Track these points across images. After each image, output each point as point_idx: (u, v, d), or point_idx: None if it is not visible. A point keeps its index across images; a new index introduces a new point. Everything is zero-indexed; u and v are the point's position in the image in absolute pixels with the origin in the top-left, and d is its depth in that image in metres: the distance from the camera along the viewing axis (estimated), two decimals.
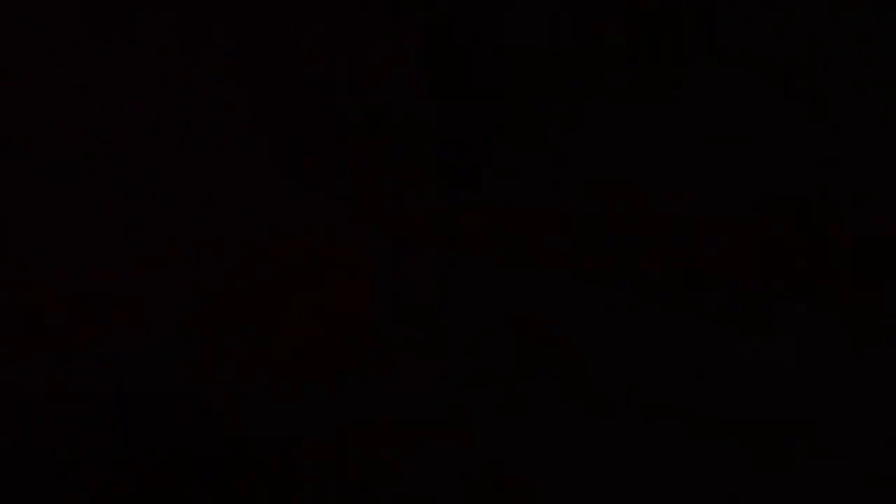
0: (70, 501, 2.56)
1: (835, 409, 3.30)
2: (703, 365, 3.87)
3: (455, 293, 4.95)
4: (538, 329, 4.47)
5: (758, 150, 4.48)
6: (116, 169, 5.11)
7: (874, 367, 3.77)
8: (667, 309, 4.40)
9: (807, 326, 4.06)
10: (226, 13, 4.31)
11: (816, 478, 2.77)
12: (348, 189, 5.36)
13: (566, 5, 4.41)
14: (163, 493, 2.59)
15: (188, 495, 2.59)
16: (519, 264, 5.19)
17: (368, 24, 4.55)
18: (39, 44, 4.41)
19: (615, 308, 4.58)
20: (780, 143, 4.42)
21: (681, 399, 3.49)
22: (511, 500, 2.57)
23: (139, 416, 3.16)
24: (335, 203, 5.33)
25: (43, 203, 4.77)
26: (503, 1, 4.42)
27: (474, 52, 4.75)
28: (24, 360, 3.73)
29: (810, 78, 4.20)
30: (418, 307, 4.75)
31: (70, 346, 4.02)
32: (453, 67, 4.90)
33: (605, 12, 4.37)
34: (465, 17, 4.55)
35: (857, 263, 4.19)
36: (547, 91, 4.99)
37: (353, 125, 5.19)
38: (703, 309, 4.28)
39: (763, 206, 4.50)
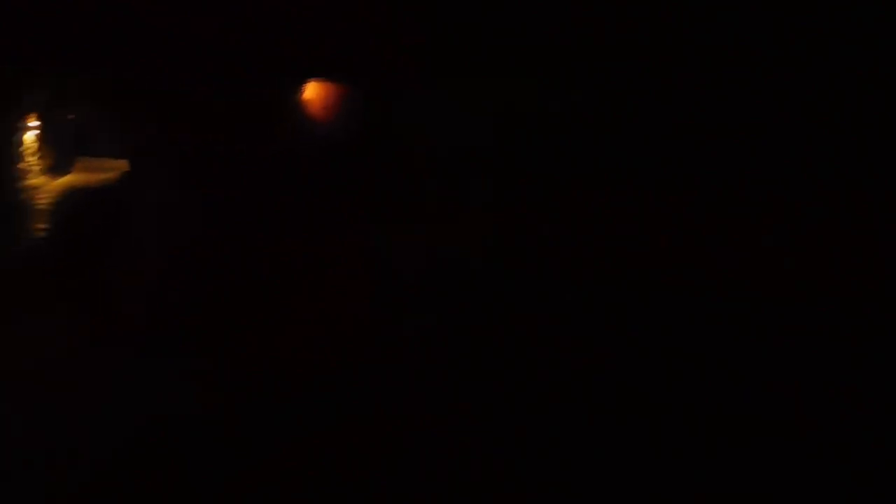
0: (70, 498, 2.57)
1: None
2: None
3: (455, 293, 4.95)
4: (538, 329, 4.47)
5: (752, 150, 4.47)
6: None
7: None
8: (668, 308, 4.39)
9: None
10: (224, 12, 4.31)
11: None
12: (349, 190, 5.34)
13: (566, 5, 4.40)
14: (163, 491, 2.59)
15: (188, 494, 2.59)
16: (518, 264, 5.18)
17: (369, 26, 4.55)
18: None
19: (615, 308, 4.58)
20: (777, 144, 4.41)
21: (679, 397, 3.49)
22: (509, 498, 2.58)
23: (139, 414, 3.16)
24: (335, 203, 5.32)
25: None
26: (502, 2, 4.42)
27: (475, 52, 4.74)
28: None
29: (808, 78, 4.20)
30: (418, 307, 4.75)
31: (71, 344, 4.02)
32: (454, 68, 4.89)
33: (604, 12, 4.37)
34: (466, 17, 4.55)
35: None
36: (548, 91, 4.98)
37: (353, 126, 5.17)
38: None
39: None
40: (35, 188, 5.89)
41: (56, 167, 6.42)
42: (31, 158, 5.99)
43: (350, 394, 3.42)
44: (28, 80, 5.45)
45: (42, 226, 5.37)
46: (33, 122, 5.90)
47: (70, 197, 5.93)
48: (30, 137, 5.93)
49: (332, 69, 4.98)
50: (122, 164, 6.71)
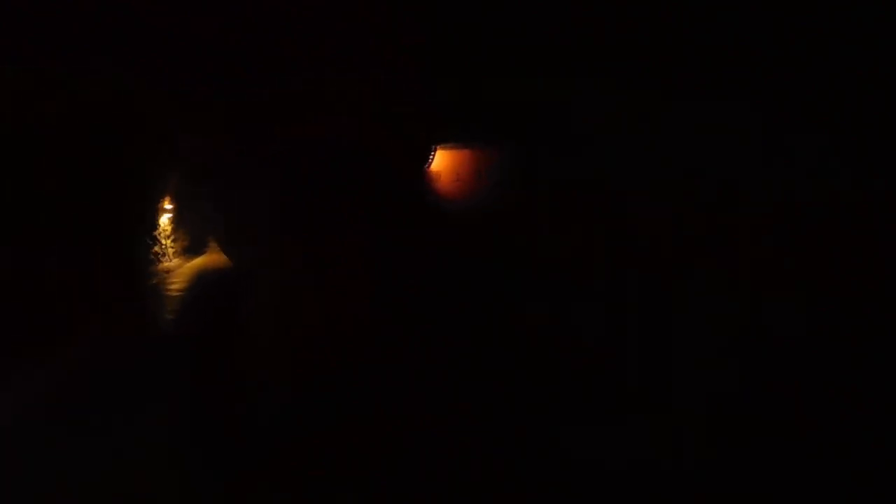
0: (66, 496, 2.58)
1: None
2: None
3: (454, 294, 4.94)
4: (537, 328, 4.46)
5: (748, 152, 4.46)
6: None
7: None
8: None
9: None
10: (224, 12, 4.30)
11: None
12: (348, 190, 5.34)
13: (566, 7, 4.40)
14: (163, 490, 2.59)
15: (189, 493, 2.59)
16: (518, 265, 5.17)
17: (369, 26, 4.54)
18: None
19: (615, 308, 4.58)
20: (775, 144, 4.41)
21: (679, 397, 3.49)
22: (509, 498, 2.57)
23: (140, 413, 3.16)
24: (335, 204, 5.32)
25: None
26: (502, 3, 4.42)
27: (474, 53, 4.74)
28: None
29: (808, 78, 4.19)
30: (418, 307, 4.75)
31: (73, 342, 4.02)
32: (454, 69, 4.89)
33: (604, 13, 4.36)
34: (466, 17, 4.54)
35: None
36: (548, 92, 4.98)
37: (352, 127, 5.17)
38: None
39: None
40: (168, 271, 5.95)
41: (190, 249, 6.48)
42: (165, 241, 6.06)
43: (350, 394, 3.42)
44: (164, 164, 5.49)
45: (172, 311, 5.35)
46: (168, 205, 5.99)
47: (199, 280, 5.95)
48: (165, 220, 6.01)
49: (331, 70, 4.98)
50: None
